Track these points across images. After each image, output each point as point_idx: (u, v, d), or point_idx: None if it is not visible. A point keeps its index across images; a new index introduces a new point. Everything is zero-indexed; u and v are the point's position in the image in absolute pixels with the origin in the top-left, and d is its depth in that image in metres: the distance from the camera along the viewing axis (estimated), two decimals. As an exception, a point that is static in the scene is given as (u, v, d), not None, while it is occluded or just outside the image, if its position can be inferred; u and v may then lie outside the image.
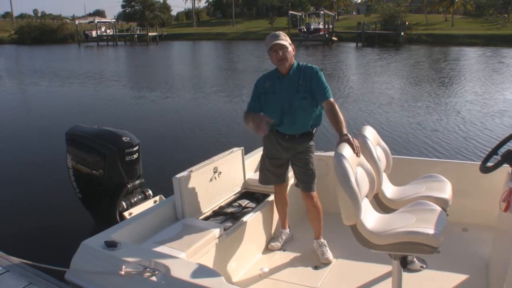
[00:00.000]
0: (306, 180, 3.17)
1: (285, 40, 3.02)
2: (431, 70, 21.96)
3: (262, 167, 3.38)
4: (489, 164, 2.81)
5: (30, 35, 61.81)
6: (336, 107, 2.92)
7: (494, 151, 2.85)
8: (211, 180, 3.31)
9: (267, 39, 3.07)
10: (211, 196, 3.34)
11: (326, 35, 48.23)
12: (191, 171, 3.12)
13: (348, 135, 2.69)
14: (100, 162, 4.08)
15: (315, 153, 3.26)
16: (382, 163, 3.00)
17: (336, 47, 42.88)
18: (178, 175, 3.03)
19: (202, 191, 3.24)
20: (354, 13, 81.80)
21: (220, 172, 3.38)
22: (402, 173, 3.36)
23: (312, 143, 3.18)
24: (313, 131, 3.17)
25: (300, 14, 55.58)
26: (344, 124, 2.81)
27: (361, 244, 2.42)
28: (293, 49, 3.08)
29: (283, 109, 3.07)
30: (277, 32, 3.11)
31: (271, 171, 3.31)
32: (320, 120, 3.17)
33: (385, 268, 2.93)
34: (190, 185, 3.10)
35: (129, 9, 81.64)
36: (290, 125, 3.10)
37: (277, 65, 3.07)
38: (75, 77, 21.29)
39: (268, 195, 3.55)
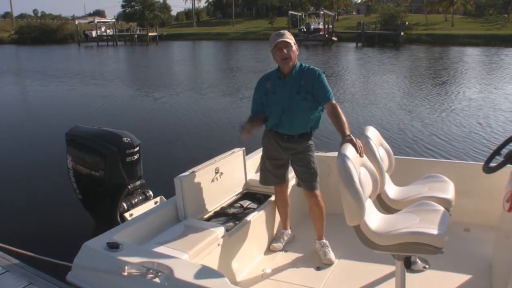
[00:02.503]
0: (308, 179, 3.17)
1: (290, 39, 3.02)
2: (432, 70, 21.95)
3: (262, 168, 3.37)
4: (492, 164, 2.80)
5: (30, 35, 61.77)
6: (339, 108, 2.92)
7: (497, 151, 2.84)
8: (212, 180, 3.31)
9: (271, 37, 3.05)
10: (212, 197, 3.33)
11: (326, 35, 48.24)
12: (193, 171, 3.11)
13: (351, 135, 2.68)
14: (101, 163, 4.07)
15: (316, 154, 3.26)
16: (385, 164, 2.99)
17: (336, 47, 42.88)
18: (179, 176, 3.02)
19: (204, 192, 3.23)
20: (354, 13, 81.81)
21: (221, 173, 3.37)
22: (405, 174, 3.35)
23: (311, 142, 3.17)
24: (313, 131, 3.17)
25: (300, 14, 55.57)
26: (347, 125, 2.80)
27: (365, 245, 2.41)
28: (296, 49, 3.07)
29: (283, 109, 3.07)
30: (281, 31, 3.10)
31: (271, 171, 3.31)
32: (318, 123, 3.16)
33: (388, 269, 2.92)
34: (192, 186, 3.09)
35: (129, 9, 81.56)
36: (288, 125, 3.10)
37: (280, 63, 3.05)
38: (75, 77, 21.28)
39: (269, 196, 3.54)
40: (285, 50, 2.98)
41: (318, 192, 3.20)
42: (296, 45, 3.09)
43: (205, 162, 3.29)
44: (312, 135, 3.17)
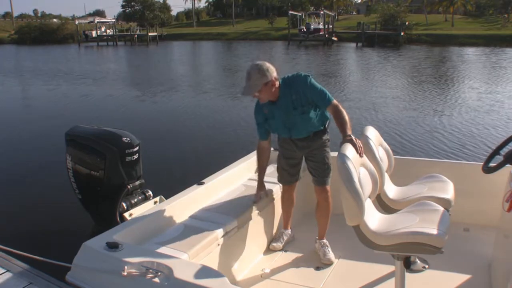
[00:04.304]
0: (321, 174, 3.18)
1: (253, 86, 2.89)
2: (432, 70, 21.95)
3: (279, 167, 3.39)
4: (492, 164, 2.80)
5: (30, 35, 61.74)
6: (341, 108, 2.91)
7: (497, 151, 2.83)
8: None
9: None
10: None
11: (326, 35, 48.24)
12: None
13: (352, 135, 2.68)
14: (100, 163, 4.06)
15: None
16: (384, 164, 3.00)
17: (336, 47, 42.89)
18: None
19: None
20: (354, 13, 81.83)
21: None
22: (404, 174, 3.35)
23: (326, 137, 3.18)
24: (326, 126, 3.16)
25: (300, 14, 55.56)
26: (348, 124, 2.80)
27: (365, 245, 2.41)
28: (274, 79, 2.92)
29: (286, 126, 3.09)
30: (247, 74, 2.93)
31: (286, 170, 3.34)
32: (326, 115, 3.14)
33: (387, 269, 2.92)
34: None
35: (129, 9, 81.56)
36: (299, 133, 3.12)
37: None
38: (75, 77, 21.27)
39: (269, 196, 3.54)
40: (258, 95, 2.96)
41: (328, 187, 3.21)
42: (270, 78, 2.90)
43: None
44: (327, 129, 3.18)
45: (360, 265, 3.11)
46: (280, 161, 3.37)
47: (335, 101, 2.95)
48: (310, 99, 2.97)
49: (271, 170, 3.60)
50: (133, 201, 4.23)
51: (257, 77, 2.89)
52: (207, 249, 2.71)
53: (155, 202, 4.27)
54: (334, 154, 3.60)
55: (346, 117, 2.85)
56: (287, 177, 3.36)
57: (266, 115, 3.12)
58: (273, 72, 2.94)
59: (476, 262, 3.07)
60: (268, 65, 2.95)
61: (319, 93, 2.95)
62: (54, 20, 76.32)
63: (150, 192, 4.41)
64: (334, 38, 48.64)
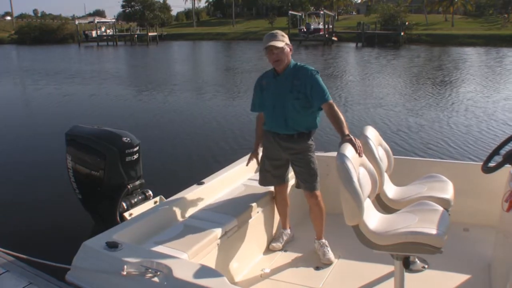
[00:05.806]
0: (308, 180, 3.16)
1: (281, 41, 3.02)
2: (432, 70, 21.95)
3: (262, 169, 3.38)
4: (491, 164, 2.80)
5: (30, 35, 61.74)
6: (336, 108, 2.93)
7: (496, 151, 2.84)
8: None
9: (264, 38, 3.08)
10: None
11: (326, 35, 48.26)
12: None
13: (350, 135, 2.69)
14: (100, 163, 4.06)
15: (315, 153, 3.26)
16: (384, 164, 3.00)
17: (336, 47, 42.89)
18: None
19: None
20: (354, 13, 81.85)
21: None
22: (404, 174, 3.35)
23: (310, 142, 3.16)
24: (311, 132, 3.16)
25: (300, 14, 55.59)
26: (345, 124, 2.81)
27: (364, 245, 2.42)
28: (290, 49, 3.08)
29: (274, 106, 3.10)
30: (274, 32, 3.10)
31: (270, 172, 3.31)
32: (315, 123, 3.14)
33: (387, 269, 2.92)
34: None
35: (129, 9, 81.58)
36: (282, 125, 3.11)
37: (272, 65, 3.11)
38: (75, 77, 21.27)
39: (269, 196, 3.54)
40: (275, 52, 3.01)
41: (318, 192, 3.20)
42: (290, 45, 3.08)
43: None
44: (311, 135, 3.16)
45: (359, 265, 3.11)
46: (263, 163, 3.35)
47: (332, 101, 2.97)
48: (309, 92, 2.99)
49: None
50: (133, 201, 4.23)
51: (282, 38, 3.04)
52: (206, 248, 2.71)
53: (155, 202, 4.27)
54: (333, 154, 3.62)
55: (342, 117, 2.86)
56: (270, 178, 3.34)
57: (263, 86, 3.18)
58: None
59: (475, 262, 3.07)
60: None
61: (319, 89, 2.99)
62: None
63: (150, 192, 4.41)
64: (334, 38, 48.65)
